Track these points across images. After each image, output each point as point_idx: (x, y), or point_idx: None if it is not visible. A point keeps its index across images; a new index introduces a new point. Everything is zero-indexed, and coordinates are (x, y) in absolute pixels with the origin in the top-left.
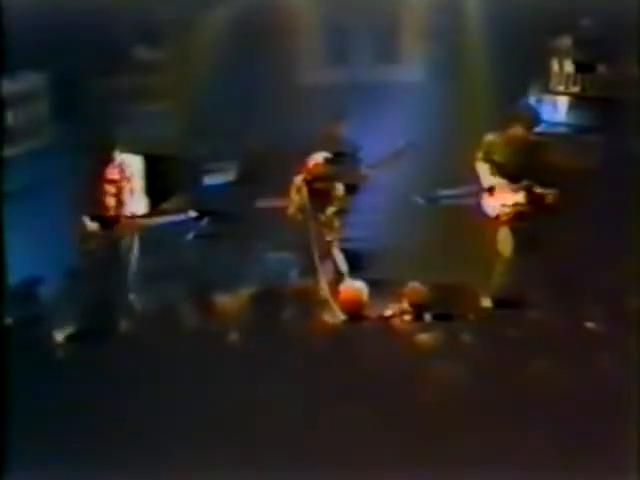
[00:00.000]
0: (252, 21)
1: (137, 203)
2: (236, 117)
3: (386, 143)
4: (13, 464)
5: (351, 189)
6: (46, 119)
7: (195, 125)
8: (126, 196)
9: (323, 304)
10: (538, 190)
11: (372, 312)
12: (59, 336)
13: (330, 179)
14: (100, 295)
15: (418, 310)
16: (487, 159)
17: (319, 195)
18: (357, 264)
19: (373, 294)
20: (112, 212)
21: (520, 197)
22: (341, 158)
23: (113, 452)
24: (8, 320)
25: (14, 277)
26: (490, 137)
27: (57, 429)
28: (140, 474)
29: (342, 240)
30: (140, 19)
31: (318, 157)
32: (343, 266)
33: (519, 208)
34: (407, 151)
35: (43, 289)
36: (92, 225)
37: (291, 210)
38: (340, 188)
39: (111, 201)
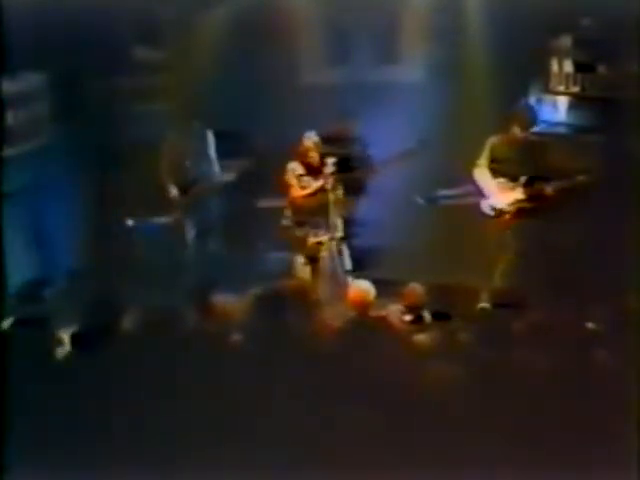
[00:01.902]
0: (252, 21)
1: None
2: (236, 117)
3: (386, 143)
4: (13, 464)
5: (360, 186)
6: (46, 119)
7: (195, 125)
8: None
9: (324, 303)
10: (537, 185)
11: (372, 312)
12: (59, 336)
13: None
14: (101, 295)
15: (418, 311)
16: (491, 165)
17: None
18: (360, 262)
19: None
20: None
21: (519, 193)
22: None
23: (114, 452)
24: (8, 320)
25: (14, 277)
26: (491, 141)
27: (57, 429)
28: (140, 474)
29: (346, 236)
30: (140, 19)
31: (308, 140)
32: (348, 263)
33: (519, 205)
34: (419, 150)
35: (43, 289)
36: (173, 191)
37: (305, 193)
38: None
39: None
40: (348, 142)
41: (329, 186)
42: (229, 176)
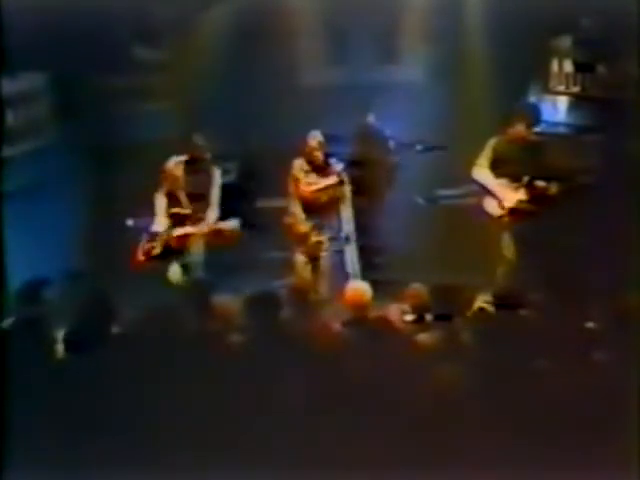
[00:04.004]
0: (252, 21)
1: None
2: (236, 117)
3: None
4: (13, 464)
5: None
6: (46, 119)
7: (195, 125)
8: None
9: (324, 304)
10: (539, 185)
11: (373, 313)
12: (59, 336)
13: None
14: (101, 295)
15: (419, 311)
16: (493, 165)
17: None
18: (368, 264)
19: (374, 295)
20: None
21: (521, 194)
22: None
23: (113, 452)
24: (8, 320)
25: (14, 277)
26: (492, 141)
27: (57, 429)
28: (140, 474)
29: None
30: (140, 19)
31: (313, 139)
32: (354, 266)
33: (521, 206)
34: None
35: (43, 289)
36: (159, 224)
37: (312, 189)
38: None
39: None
40: (367, 139)
41: (344, 181)
42: (229, 177)
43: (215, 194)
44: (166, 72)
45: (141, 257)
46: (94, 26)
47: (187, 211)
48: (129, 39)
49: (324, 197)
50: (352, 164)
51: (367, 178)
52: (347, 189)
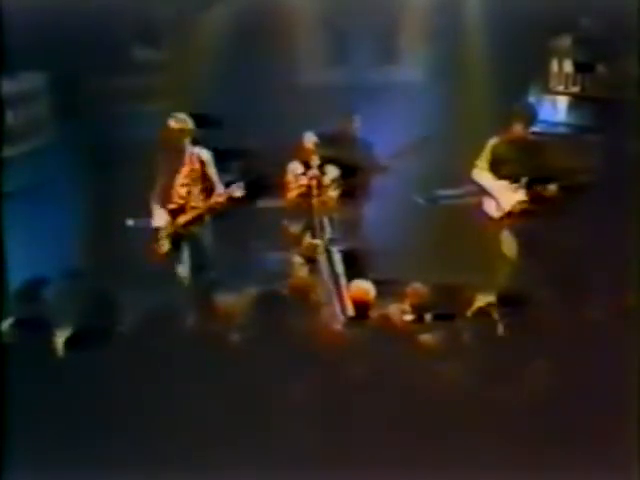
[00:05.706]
0: (252, 21)
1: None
2: (236, 117)
3: (385, 143)
4: (13, 464)
5: (364, 187)
6: (46, 119)
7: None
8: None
9: (324, 305)
10: (538, 187)
11: (373, 312)
12: (59, 336)
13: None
14: (101, 295)
15: (420, 311)
16: (493, 166)
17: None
18: (354, 266)
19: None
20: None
21: (521, 195)
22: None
23: (113, 452)
24: (8, 320)
25: (14, 277)
26: (492, 142)
27: (57, 429)
28: (140, 474)
29: (338, 240)
30: (140, 19)
31: (309, 141)
32: (339, 267)
33: (521, 206)
34: (424, 145)
35: (43, 289)
36: (160, 218)
37: (292, 195)
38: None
39: (182, 191)
40: (350, 143)
41: (314, 188)
42: (229, 177)
43: (212, 172)
44: (166, 72)
45: (155, 256)
46: (94, 26)
47: (181, 201)
48: (129, 39)
49: (311, 200)
50: (339, 167)
51: (352, 181)
52: (332, 192)
